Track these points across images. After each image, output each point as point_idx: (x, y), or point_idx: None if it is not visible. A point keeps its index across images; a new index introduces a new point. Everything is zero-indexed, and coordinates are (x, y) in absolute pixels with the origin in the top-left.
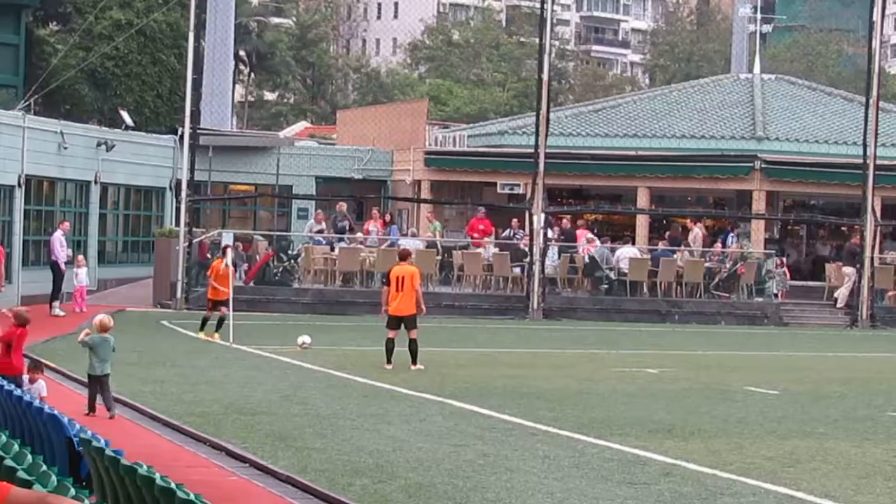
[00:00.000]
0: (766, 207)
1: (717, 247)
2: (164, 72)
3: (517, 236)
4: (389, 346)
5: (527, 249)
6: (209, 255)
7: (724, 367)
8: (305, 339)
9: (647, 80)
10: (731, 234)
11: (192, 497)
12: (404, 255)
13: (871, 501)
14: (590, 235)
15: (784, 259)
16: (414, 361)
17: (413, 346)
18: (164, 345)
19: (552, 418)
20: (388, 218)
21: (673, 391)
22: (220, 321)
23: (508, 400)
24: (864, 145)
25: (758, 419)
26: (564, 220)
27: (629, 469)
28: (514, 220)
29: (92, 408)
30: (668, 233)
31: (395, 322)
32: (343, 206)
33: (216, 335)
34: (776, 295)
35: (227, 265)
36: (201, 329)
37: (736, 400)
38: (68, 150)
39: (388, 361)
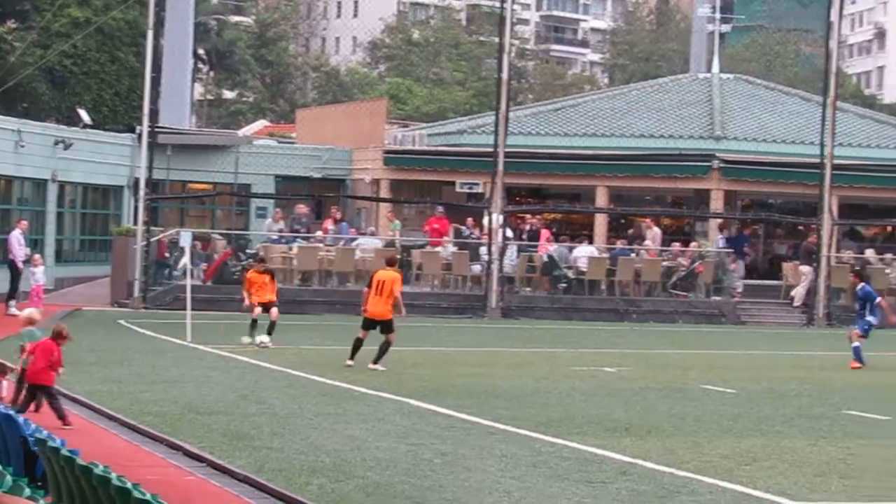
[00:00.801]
0: (723, 206)
1: (675, 246)
2: (122, 70)
3: (472, 236)
4: (357, 344)
5: (479, 247)
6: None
7: (682, 365)
8: (263, 338)
9: (606, 80)
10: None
11: (148, 497)
12: (391, 261)
13: (827, 499)
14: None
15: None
16: (376, 361)
17: (385, 347)
18: (121, 344)
19: (510, 417)
20: (338, 216)
21: (631, 390)
22: (272, 325)
23: (466, 399)
24: (822, 145)
25: (714, 418)
26: (535, 220)
27: (587, 468)
28: (469, 219)
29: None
30: (630, 230)
31: (369, 324)
32: (304, 208)
33: (266, 339)
34: (732, 293)
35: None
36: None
37: (693, 398)
38: (25, 148)
39: (351, 357)
